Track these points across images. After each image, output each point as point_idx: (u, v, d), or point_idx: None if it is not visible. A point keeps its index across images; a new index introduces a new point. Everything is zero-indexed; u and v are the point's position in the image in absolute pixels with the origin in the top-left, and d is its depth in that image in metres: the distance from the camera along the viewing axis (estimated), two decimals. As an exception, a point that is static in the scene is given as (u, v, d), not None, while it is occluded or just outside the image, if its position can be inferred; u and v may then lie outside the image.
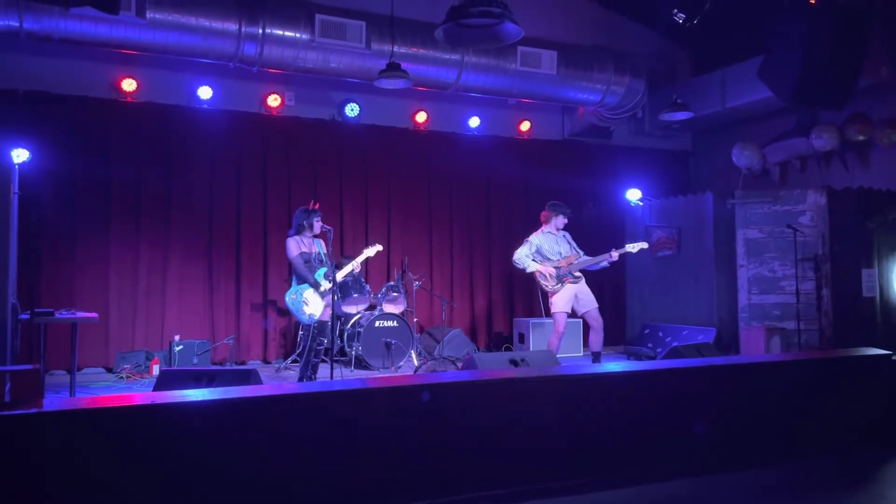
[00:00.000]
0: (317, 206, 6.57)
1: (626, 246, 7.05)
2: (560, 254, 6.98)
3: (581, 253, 7.07)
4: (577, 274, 6.97)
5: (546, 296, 7.09)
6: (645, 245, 7.15)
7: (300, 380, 6.41)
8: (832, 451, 4.22)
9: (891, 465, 4.22)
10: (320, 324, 6.35)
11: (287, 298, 6.46)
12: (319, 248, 6.47)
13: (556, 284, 6.90)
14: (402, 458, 3.26)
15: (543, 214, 7.11)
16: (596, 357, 7.02)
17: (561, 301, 6.93)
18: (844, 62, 6.31)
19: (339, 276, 6.61)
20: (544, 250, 6.98)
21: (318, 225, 6.41)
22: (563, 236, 7.11)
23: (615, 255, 6.91)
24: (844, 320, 7.88)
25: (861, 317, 7.90)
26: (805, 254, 7.99)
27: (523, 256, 6.98)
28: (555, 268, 6.91)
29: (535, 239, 7.05)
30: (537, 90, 9.11)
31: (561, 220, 7.05)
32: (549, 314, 7.12)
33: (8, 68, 7.51)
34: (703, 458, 3.90)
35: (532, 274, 7.03)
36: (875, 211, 8.00)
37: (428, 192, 9.52)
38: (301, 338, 7.61)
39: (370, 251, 6.84)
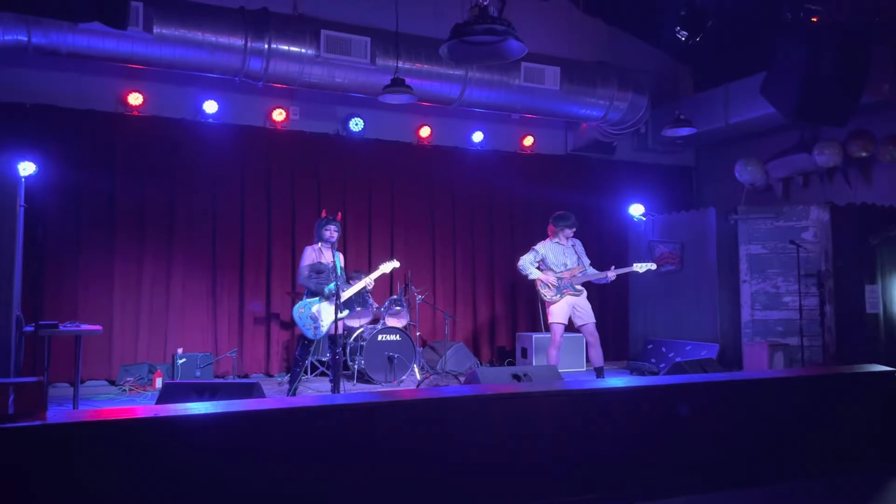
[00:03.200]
0: (328, 216, 6.60)
1: (634, 265, 7.09)
2: (565, 265, 6.98)
3: (587, 266, 7.07)
4: (579, 287, 6.97)
5: (545, 306, 7.11)
6: (653, 266, 7.14)
7: (292, 393, 6.43)
8: (835, 467, 4.20)
9: (893, 482, 4.20)
10: (319, 339, 6.39)
11: (295, 312, 6.47)
12: (337, 260, 6.43)
13: (556, 295, 6.92)
14: (405, 472, 3.26)
15: (550, 228, 7.12)
16: (599, 372, 7.01)
17: (559, 312, 6.94)
18: (847, 79, 6.33)
19: (351, 292, 6.62)
20: (549, 261, 6.97)
21: (327, 234, 6.45)
22: (573, 247, 7.09)
23: (612, 275, 6.94)
24: (847, 336, 7.87)
25: (864, 333, 7.88)
26: (808, 270, 7.98)
27: (527, 263, 7.00)
28: (557, 278, 6.92)
29: (542, 248, 7.05)
30: (541, 106, 9.14)
31: (567, 233, 7.06)
32: (547, 326, 7.13)
33: (16, 82, 7.57)
34: (707, 474, 3.88)
35: (534, 282, 7.05)
36: (878, 227, 8.00)
37: (431, 207, 9.55)
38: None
39: (386, 267, 6.77)
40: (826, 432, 4.25)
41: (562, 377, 5.28)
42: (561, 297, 6.92)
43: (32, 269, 7.26)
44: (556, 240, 7.07)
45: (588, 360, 7.60)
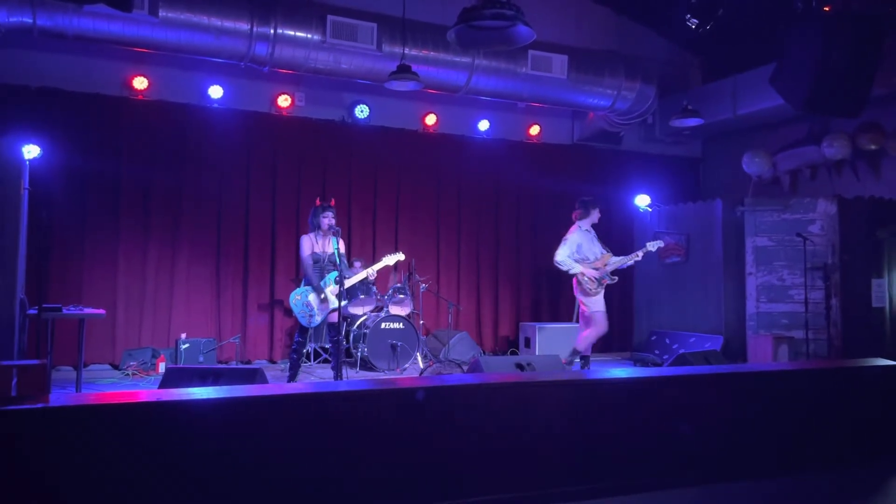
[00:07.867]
0: (323, 203, 6.55)
1: (647, 245, 7.09)
2: (595, 254, 6.94)
3: (611, 252, 7.04)
4: (613, 276, 6.96)
5: (584, 296, 6.96)
6: (661, 243, 7.28)
7: (292, 380, 6.42)
8: (839, 462, 4.18)
9: (898, 477, 4.18)
10: (314, 327, 6.40)
11: (292, 299, 6.44)
12: (335, 247, 6.27)
13: (598, 287, 6.88)
14: (407, 460, 3.25)
15: (576, 214, 7.04)
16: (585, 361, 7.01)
17: (599, 300, 6.92)
18: (858, 70, 6.26)
19: (351, 282, 6.56)
20: (584, 249, 6.92)
21: (325, 222, 6.37)
22: (595, 236, 7.06)
23: (640, 254, 6.99)
24: (853, 330, 7.83)
25: (870, 327, 7.85)
26: (814, 263, 7.94)
27: (567, 258, 6.87)
28: (594, 269, 6.86)
29: (575, 237, 6.98)
30: (547, 94, 9.09)
31: (596, 215, 7.02)
32: (577, 319, 7.06)
33: (21, 65, 7.55)
34: (709, 466, 3.87)
35: (573, 276, 6.93)
36: (886, 221, 7.95)
37: (436, 195, 9.52)
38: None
39: (389, 259, 6.73)
40: (830, 426, 4.23)
41: (564, 366, 5.27)
42: (601, 289, 6.89)
43: (37, 252, 7.28)
44: (585, 227, 7.01)
45: (596, 349, 7.56)
